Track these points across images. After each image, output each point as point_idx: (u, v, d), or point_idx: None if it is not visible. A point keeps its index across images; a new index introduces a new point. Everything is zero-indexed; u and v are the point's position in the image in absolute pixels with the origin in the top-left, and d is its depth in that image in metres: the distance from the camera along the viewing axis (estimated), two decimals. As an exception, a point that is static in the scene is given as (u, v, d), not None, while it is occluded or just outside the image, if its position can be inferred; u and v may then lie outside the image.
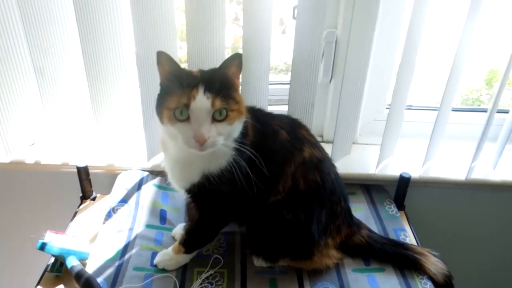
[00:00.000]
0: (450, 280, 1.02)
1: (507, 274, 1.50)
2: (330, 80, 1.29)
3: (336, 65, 1.25)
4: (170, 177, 0.97)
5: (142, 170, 1.30)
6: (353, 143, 1.35)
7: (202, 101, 0.80)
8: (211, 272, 1.00)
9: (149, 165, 1.30)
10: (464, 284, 1.15)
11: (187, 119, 0.81)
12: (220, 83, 0.83)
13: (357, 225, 1.07)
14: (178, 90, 0.82)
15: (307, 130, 1.03)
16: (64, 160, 1.29)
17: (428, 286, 0.98)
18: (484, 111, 1.37)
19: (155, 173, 1.30)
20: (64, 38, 1.18)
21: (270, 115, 1.02)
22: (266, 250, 1.00)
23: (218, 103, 0.81)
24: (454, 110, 1.21)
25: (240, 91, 0.91)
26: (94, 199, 1.27)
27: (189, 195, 0.96)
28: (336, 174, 1.04)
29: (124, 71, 1.20)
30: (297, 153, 0.96)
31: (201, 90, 0.81)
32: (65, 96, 1.25)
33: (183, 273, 1.00)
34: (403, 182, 1.24)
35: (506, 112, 1.28)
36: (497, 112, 1.18)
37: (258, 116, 0.97)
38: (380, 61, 1.28)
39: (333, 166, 1.04)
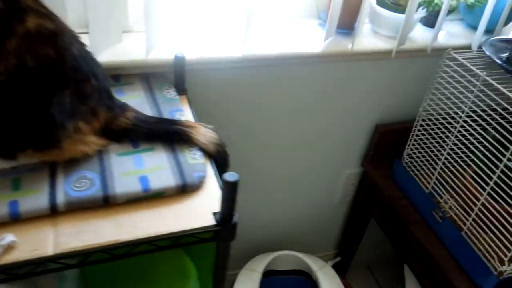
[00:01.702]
0: (223, 148, 1.01)
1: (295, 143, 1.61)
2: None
3: None
4: None
5: None
6: (124, 32, 1.22)
7: None
8: None
9: None
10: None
11: None
12: None
13: (120, 107, 0.97)
14: None
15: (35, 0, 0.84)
16: None
17: (197, 156, 0.96)
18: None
19: None
20: None
21: None
22: (-3, 146, 0.83)
23: None
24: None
25: None
26: None
27: None
28: (84, 51, 0.89)
29: None
30: (18, 24, 0.78)
31: None
32: None
33: None
34: (179, 63, 1.17)
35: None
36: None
37: None
38: None
39: (80, 44, 0.90)
